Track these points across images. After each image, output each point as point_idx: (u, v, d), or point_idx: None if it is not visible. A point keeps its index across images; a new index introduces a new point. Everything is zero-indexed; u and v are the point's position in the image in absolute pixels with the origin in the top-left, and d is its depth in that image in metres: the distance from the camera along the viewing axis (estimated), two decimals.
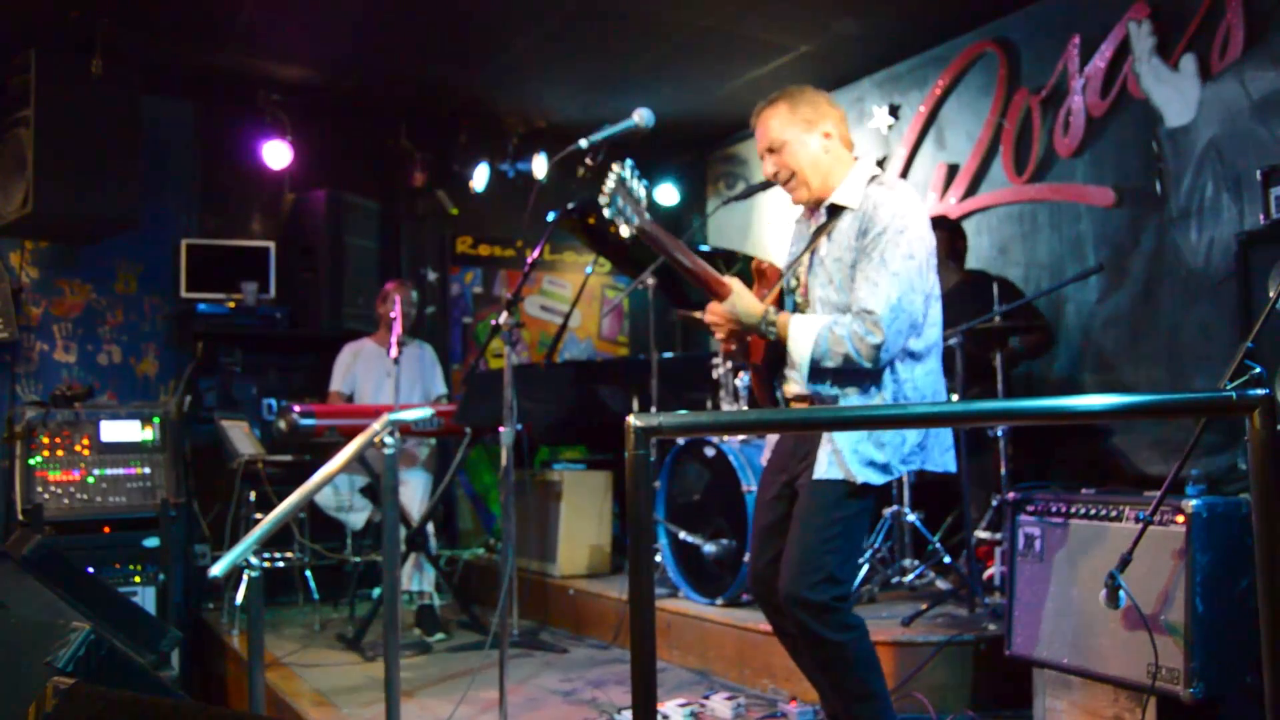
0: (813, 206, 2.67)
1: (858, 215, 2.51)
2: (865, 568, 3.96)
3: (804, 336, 2.45)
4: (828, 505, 2.47)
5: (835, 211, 2.58)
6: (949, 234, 4.53)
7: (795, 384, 2.60)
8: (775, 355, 2.64)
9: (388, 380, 5.21)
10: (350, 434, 3.93)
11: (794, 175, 2.60)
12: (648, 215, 2.42)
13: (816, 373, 2.47)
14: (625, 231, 2.41)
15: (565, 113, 6.33)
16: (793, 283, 2.70)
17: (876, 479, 2.47)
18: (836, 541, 2.46)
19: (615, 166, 2.39)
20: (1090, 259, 4.51)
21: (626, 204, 2.39)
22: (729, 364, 4.38)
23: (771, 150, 2.61)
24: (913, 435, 2.50)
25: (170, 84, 5.67)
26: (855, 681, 2.45)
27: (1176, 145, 4.18)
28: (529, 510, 5.25)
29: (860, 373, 2.48)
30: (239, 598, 4.70)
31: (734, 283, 2.54)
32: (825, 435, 2.52)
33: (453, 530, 6.50)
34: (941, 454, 2.59)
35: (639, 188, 2.40)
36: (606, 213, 2.39)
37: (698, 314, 4.41)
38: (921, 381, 2.54)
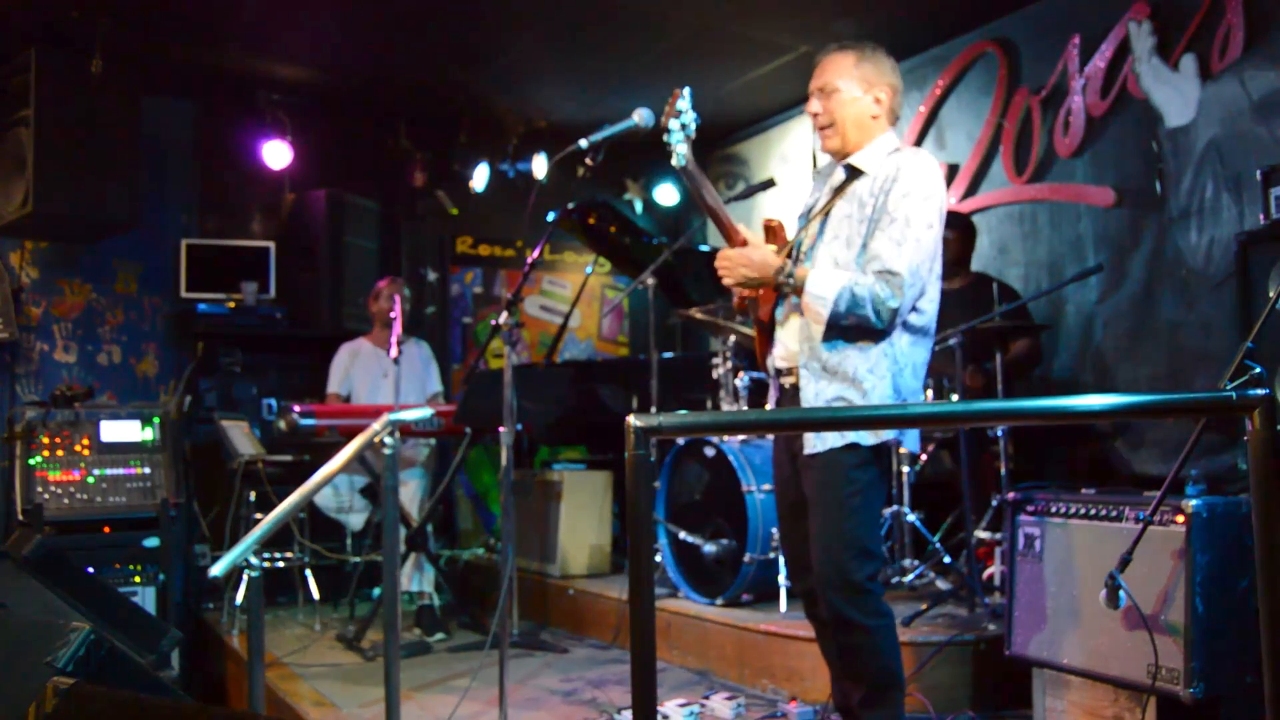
0: (839, 158, 2.70)
1: (877, 178, 2.55)
2: None
3: (825, 293, 2.47)
4: (837, 476, 2.50)
5: (854, 174, 2.62)
6: (962, 233, 4.52)
7: (782, 359, 2.67)
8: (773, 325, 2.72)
9: (384, 380, 5.20)
10: (350, 434, 3.92)
11: (833, 124, 2.64)
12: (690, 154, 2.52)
13: (831, 329, 2.50)
14: (674, 162, 2.49)
15: (565, 113, 6.33)
16: (803, 239, 2.72)
17: (867, 439, 2.50)
18: (860, 514, 2.49)
19: (679, 91, 2.47)
20: (1090, 259, 4.51)
21: (683, 133, 2.47)
22: (729, 363, 4.38)
23: (822, 91, 2.65)
24: (886, 388, 2.52)
25: (170, 84, 5.67)
26: (879, 669, 2.49)
27: (1176, 145, 4.18)
28: (529, 510, 5.25)
29: (865, 331, 2.50)
30: (239, 598, 4.70)
31: (751, 236, 2.62)
32: (808, 405, 2.55)
33: (453, 530, 6.50)
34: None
35: (691, 121, 2.48)
36: (667, 138, 2.47)
37: (696, 311, 4.43)
38: (906, 351, 2.56)
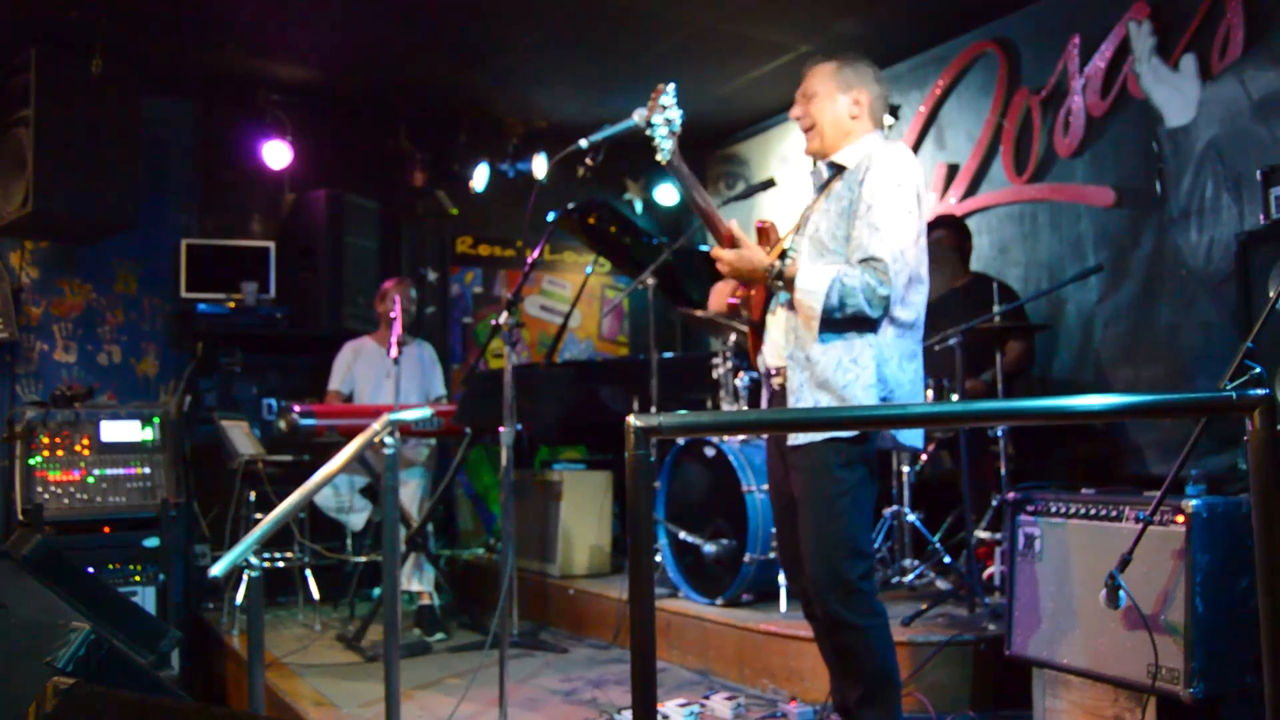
0: (821, 159, 2.76)
1: (855, 171, 2.60)
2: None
3: (815, 286, 2.49)
4: (824, 476, 2.51)
5: (838, 171, 2.68)
6: (956, 233, 4.53)
7: (771, 356, 2.70)
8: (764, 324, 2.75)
9: (387, 380, 5.20)
10: (350, 434, 3.92)
11: (814, 126, 2.73)
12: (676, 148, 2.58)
13: (825, 323, 2.52)
14: (659, 157, 2.54)
15: (565, 113, 6.33)
16: (793, 239, 2.75)
17: (847, 431, 2.49)
18: (849, 514, 2.50)
19: (663, 87, 2.54)
20: (1090, 259, 4.51)
21: (667, 129, 2.53)
22: (729, 363, 4.38)
23: (804, 96, 2.75)
24: (871, 377, 2.52)
25: (170, 84, 5.67)
26: (874, 669, 2.50)
27: (1176, 145, 4.18)
28: (529, 510, 5.25)
29: (857, 323, 2.52)
30: (239, 598, 4.71)
31: (742, 237, 2.65)
32: (794, 398, 2.57)
33: (453, 530, 6.49)
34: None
35: (676, 116, 2.54)
36: (651, 132, 2.52)
37: (697, 311, 4.43)
38: (890, 342, 2.56)
